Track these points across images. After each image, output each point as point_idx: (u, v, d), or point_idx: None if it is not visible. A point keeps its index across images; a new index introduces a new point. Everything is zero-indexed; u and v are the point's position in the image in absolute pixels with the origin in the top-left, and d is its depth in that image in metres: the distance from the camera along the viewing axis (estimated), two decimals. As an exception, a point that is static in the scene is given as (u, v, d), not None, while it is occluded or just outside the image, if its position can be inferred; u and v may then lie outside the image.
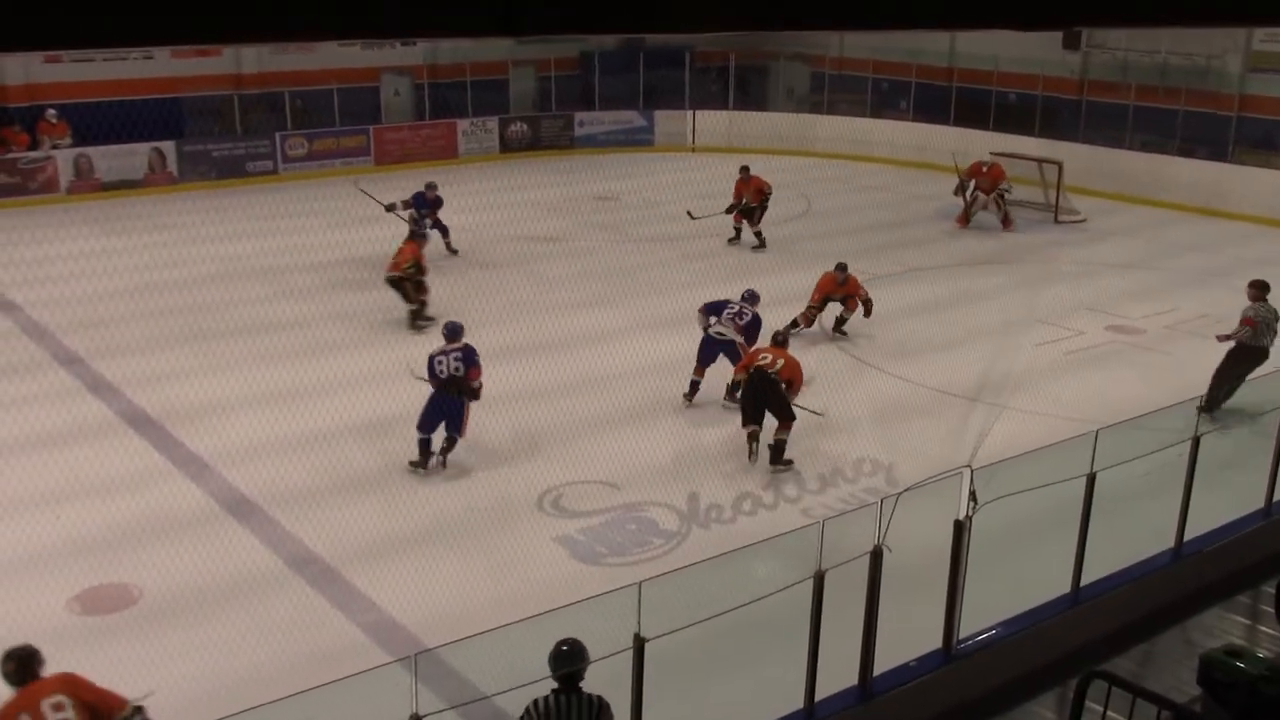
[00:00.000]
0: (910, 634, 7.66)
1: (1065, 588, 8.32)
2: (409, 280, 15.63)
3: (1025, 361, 14.37)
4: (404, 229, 17.73)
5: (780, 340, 12.28)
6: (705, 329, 13.25)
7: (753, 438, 11.52)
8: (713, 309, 13.37)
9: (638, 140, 28.97)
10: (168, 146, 23.98)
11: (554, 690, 5.96)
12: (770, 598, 6.66)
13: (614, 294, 16.92)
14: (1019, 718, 7.50)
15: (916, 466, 10.36)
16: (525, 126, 28.25)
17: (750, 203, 20.20)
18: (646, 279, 17.81)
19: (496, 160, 27.30)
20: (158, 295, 16.39)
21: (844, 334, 15.54)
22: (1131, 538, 9.07)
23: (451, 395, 11.38)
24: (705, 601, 6.60)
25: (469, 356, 11.55)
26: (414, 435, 11.35)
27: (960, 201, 22.07)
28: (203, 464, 11.33)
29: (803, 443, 11.90)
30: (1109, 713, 5.68)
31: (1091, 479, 8.11)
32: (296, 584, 9.33)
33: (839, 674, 7.19)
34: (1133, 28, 21.03)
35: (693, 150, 28.56)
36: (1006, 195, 21.78)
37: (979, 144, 24.42)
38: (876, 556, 7.03)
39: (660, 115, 29.27)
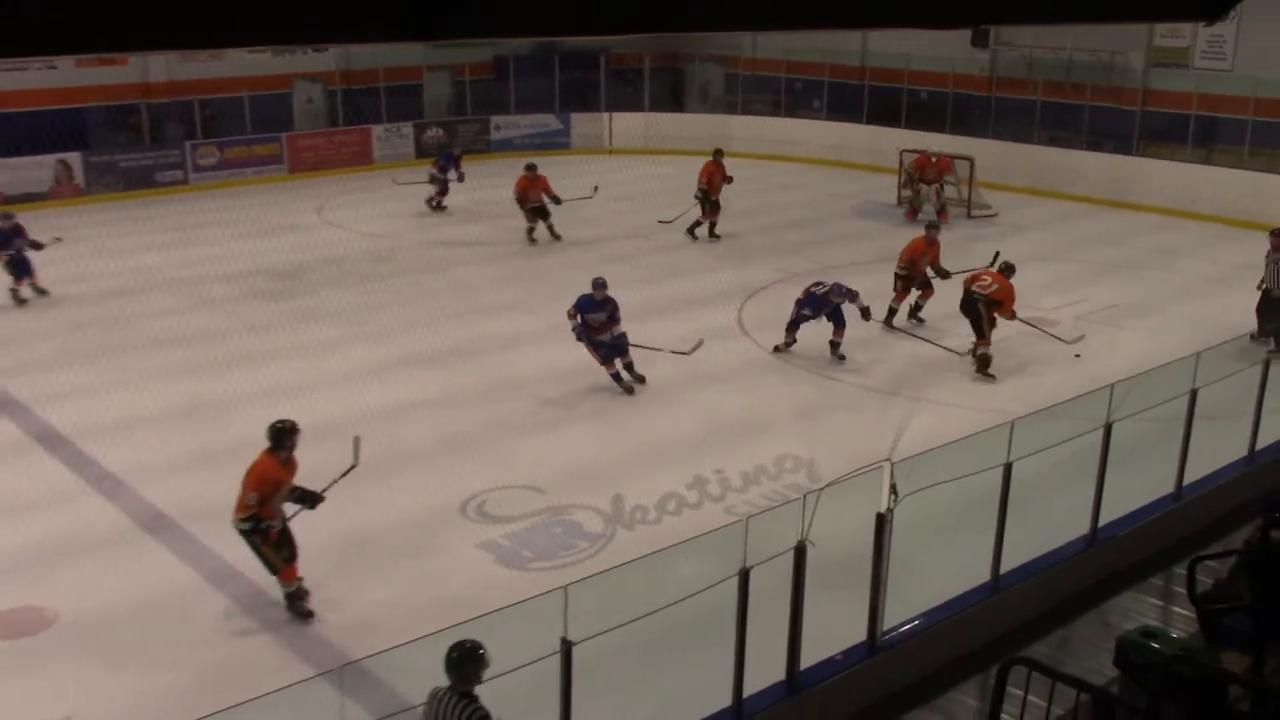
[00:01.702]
0: (836, 627, 7.74)
1: (985, 576, 8.45)
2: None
3: (942, 354, 14.58)
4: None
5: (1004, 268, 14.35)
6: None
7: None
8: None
9: (554, 144, 28.92)
10: (73, 158, 23.45)
11: (448, 687, 5.87)
12: (696, 596, 6.68)
13: (534, 298, 16.87)
14: (943, 706, 7.60)
15: (838, 462, 10.46)
16: (441, 131, 28.07)
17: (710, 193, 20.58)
18: (566, 282, 17.74)
19: (412, 166, 27.06)
20: (66, 309, 16.04)
21: (921, 320, 16.00)
22: (1048, 525, 9.24)
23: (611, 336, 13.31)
24: (632, 603, 6.60)
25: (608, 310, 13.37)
26: (332, 444, 11.20)
27: (904, 197, 22.75)
28: (117, 481, 11.09)
29: (725, 441, 11.97)
30: (1029, 697, 5.78)
31: (1008, 469, 8.25)
32: (217, 600, 9.18)
33: (766, 669, 7.23)
34: (1038, 25, 21.46)
35: (610, 153, 28.59)
36: (947, 186, 22.42)
37: (892, 141, 24.77)
38: (800, 552, 7.08)
39: (576, 118, 29.26)
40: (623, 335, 13.34)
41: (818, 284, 14.54)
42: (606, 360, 13.32)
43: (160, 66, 25.05)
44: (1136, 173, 23.81)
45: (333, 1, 2.81)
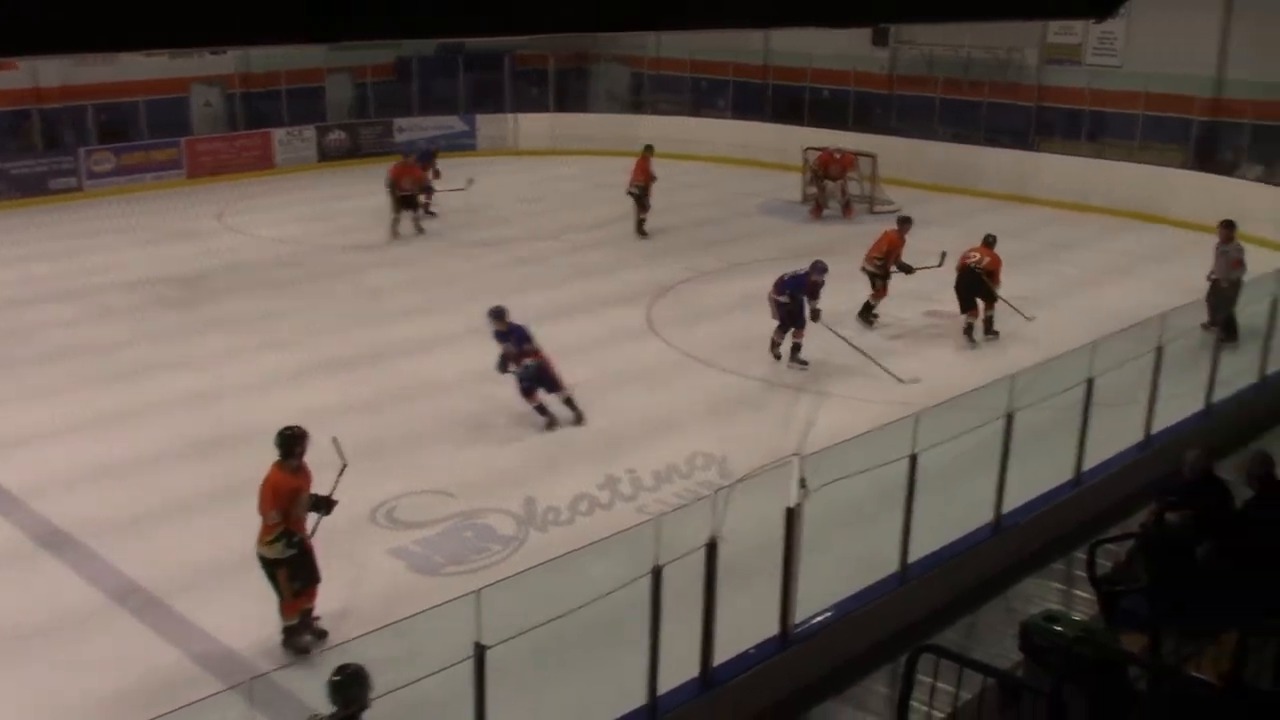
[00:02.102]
0: (748, 622, 7.80)
1: (894, 567, 8.58)
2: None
3: (848, 349, 14.76)
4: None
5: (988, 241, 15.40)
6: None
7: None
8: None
9: (460, 145, 28.73)
10: (-39, 166, 22.76)
11: (328, 716, 5.79)
12: (610, 596, 6.69)
13: (442, 301, 16.74)
14: (854, 696, 7.71)
15: (748, 458, 10.54)
16: (344, 134, 27.74)
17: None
18: (475, 284, 17.67)
19: (315, 169, 26.73)
20: (-43, 322, 15.55)
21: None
22: (954, 515, 9.41)
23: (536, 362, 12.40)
24: (545, 605, 6.59)
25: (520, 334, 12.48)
26: (239, 454, 11.03)
27: (809, 194, 23.04)
28: (12, 498, 10.77)
29: (636, 441, 11.99)
30: (938, 684, 5.88)
31: (913, 460, 8.38)
32: (120, 617, 8.96)
33: (680, 667, 7.26)
34: (935, 22, 21.83)
35: (516, 153, 28.49)
36: (851, 183, 22.82)
37: (796, 139, 25.03)
38: (712, 549, 7.13)
39: (482, 119, 29.11)
40: (536, 364, 12.41)
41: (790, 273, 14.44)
42: (527, 393, 12.49)
43: (53, 71, 24.37)
44: (1033, 168, 24.34)
45: (230, 4, 2.77)
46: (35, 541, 10.02)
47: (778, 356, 14.48)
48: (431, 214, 21.41)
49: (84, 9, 2.54)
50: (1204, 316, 13.70)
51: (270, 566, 8.34)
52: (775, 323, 14.45)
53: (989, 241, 15.65)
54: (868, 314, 15.96)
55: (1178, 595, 7.04)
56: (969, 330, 15.33)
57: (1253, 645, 6.14)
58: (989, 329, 15.49)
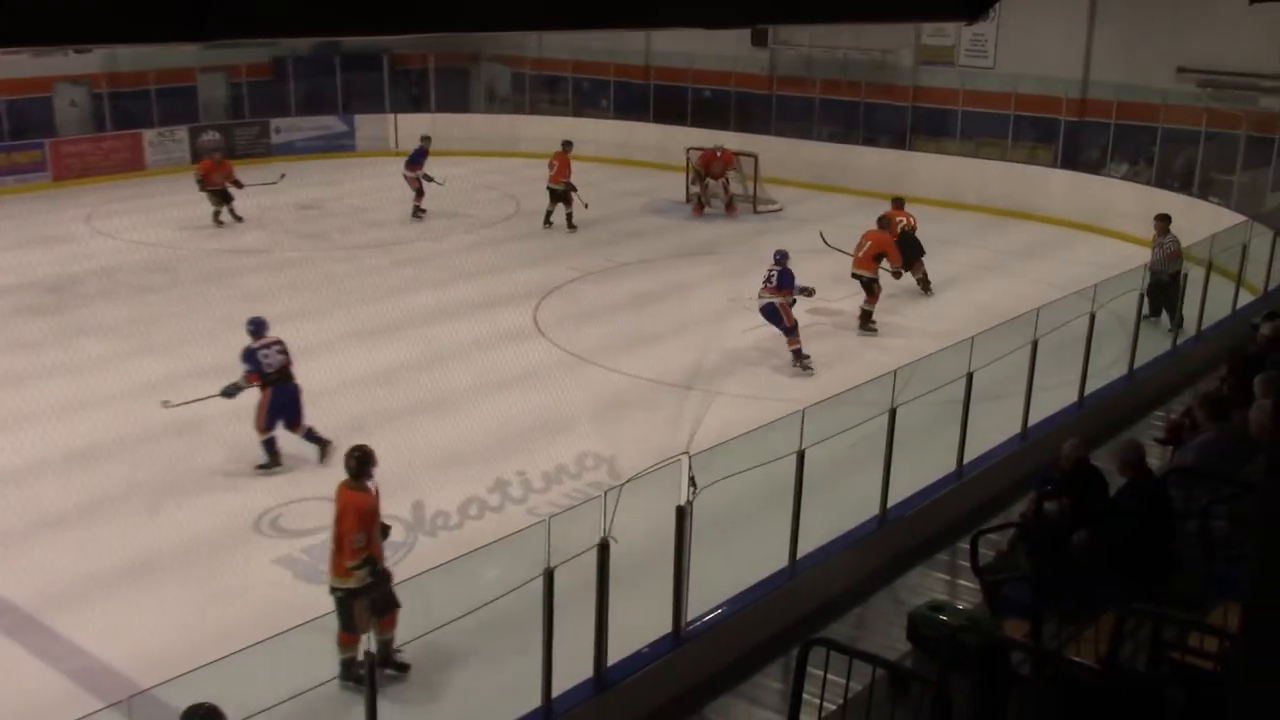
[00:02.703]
0: (641, 621, 7.80)
1: (783, 562, 8.67)
2: None
3: (734, 348, 14.90)
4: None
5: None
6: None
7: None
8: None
9: (339, 146, 28.30)
10: None
11: None
12: (502, 599, 6.64)
13: (323, 305, 16.43)
14: (747, 691, 7.76)
15: (637, 457, 10.54)
16: (218, 135, 27.06)
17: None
18: (357, 287, 17.41)
19: (188, 171, 25.96)
20: None
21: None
22: (841, 509, 9.54)
23: (289, 385, 11.38)
24: (436, 610, 6.52)
25: (284, 348, 11.58)
26: (112, 467, 10.70)
27: (692, 193, 23.34)
28: None
29: (525, 442, 11.93)
30: (829, 676, 5.94)
31: (801, 456, 8.48)
32: (-11, 636, 8.62)
33: (574, 668, 7.24)
34: (809, 24, 22.15)
35: (396, 154, 28.11)
36: (733, 181, 23.11)
37: (678, 139, 25.17)
38: (603, 549, 7.12)
39: (361, 119, 28.69)
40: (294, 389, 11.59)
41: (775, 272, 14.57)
42: (270, 427, 11.40)
43: (-95, 69, 23.38)
44: (909, 166, 24.84)
45: (97, 1, 2.67)
46: (-104, 561, 9.58)
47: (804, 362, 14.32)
48: (421, 212, 21.79)
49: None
50: (1086, 308, 14.11)
51: (348, 596, 7.76)
52: (781, 328, 14.43)
53: (900, 203, 18.03)
54: (868, 323, 15.88)
55: (1057, 582, 7.23)
56: (924, 282, 17.47)
57: (1128, 628, 6.33)
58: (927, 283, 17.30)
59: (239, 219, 21.39)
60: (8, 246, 18.45)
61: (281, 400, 11.42)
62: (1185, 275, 14.59)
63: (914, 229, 17.74)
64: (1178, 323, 14.27)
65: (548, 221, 21.40)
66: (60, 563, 9.49)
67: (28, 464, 11.12)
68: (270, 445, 11.41)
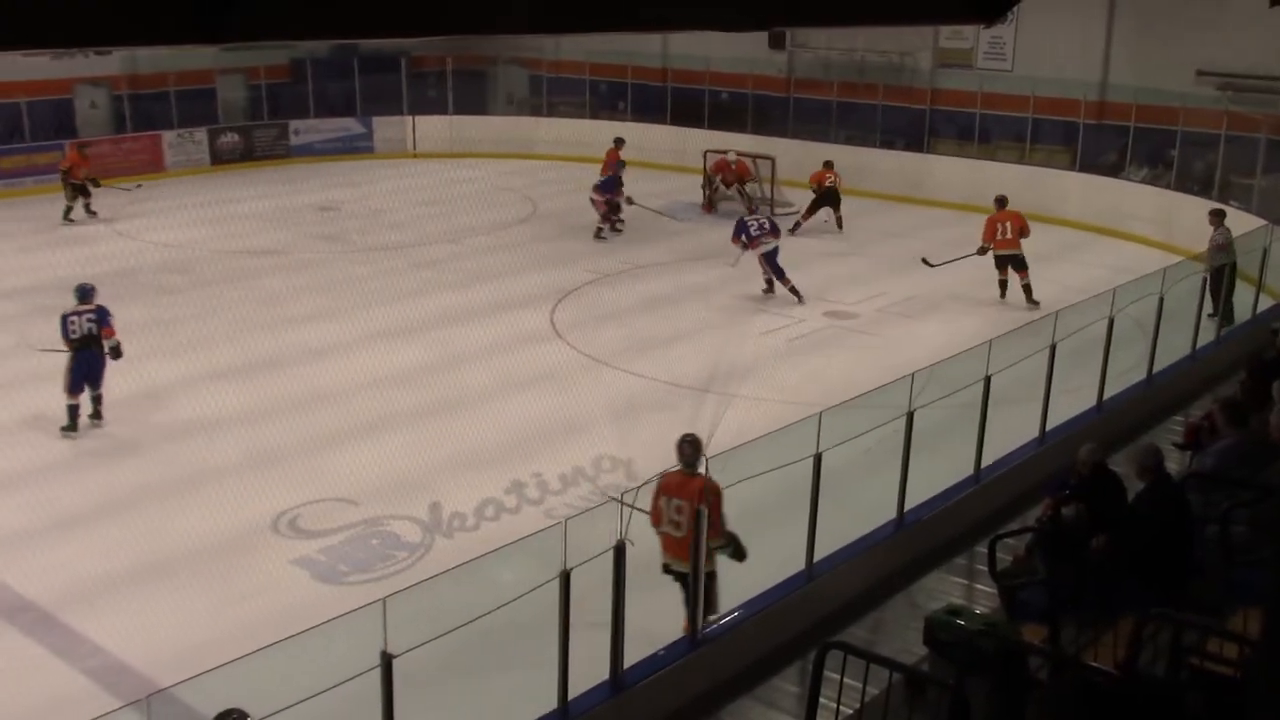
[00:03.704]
0: (657, 624, 7.81)
1: (800, 565, 8.65)
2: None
3: (751, 351, 14.89)
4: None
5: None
6: (751, 248, 17.03)
7: None
8: (742, 230, 17.12)
9: (357, 148, 28.38)
10: None
11: None
12: (519, 601, 6.64)
13: (340, 306, 16.49)
14: (764, 695, 7.76)
15: (654, 460, 10.52)
16: (237, 137, 27.19)
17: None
18: (374, 289, 17.46)
19: (208, 173, 26.16)
20: None
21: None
22: (858, 512, 9.53)
23: (91, 352, 12.09)
24: (453, 612, 6.52)
25: (102, 316, 12.29)
26: (131, 465, 10.76)
27: (706, 195, 23.71)
28: (-108, 515, 10.37)
29: (541, 444, 11.94)
30: (846, 680, 5.93)
31: (818, 459, 8.46)
32: (9, 634, 8.67)
33: (591, 670, 7.24)
34: (827, 27, 22.15)
35: (414, 156, 28.21)
36: (749, 187, 23.24)
37: (695, 142, 25.16)
38: (620, 551, 7.12)
39: (379, 121, 28.77)
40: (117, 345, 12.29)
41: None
42: (75, 391, 12.07)
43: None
44: (927, 169, 24.80)
45: (114, 3, 2.68)
46: (-83, 559, 9.65)
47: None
48: (616, 230, 21.55)
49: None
50: (1105, 311, 14.08)
51: (708, 580, 7.95)
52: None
53: (830, 165, 21.20)
54: (1031, 296, 17.09)
55: (1074, 587, 7.21)
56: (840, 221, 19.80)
57: (1147, 634, 6.32)
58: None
59: (93, 214, 21.75)
60: (28, 247, 18.57)
61: (83, 366, 12.11)
62: (1230, 268, 14.61)
63: (837, 186, 21.60)
64: (1224, 315, 14.26)
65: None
66: (80, 562, 9.53)
67: (48, 463, 11.20)
68: (73, 411, 12.03)
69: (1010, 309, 15.87)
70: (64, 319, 12.20)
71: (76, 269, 16.27)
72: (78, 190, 21.63)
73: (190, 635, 8.50)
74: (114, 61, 25.68)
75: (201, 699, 6.62)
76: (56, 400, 12.53)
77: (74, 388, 12.05)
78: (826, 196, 21.62)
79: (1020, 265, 17.27)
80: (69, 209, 21.55)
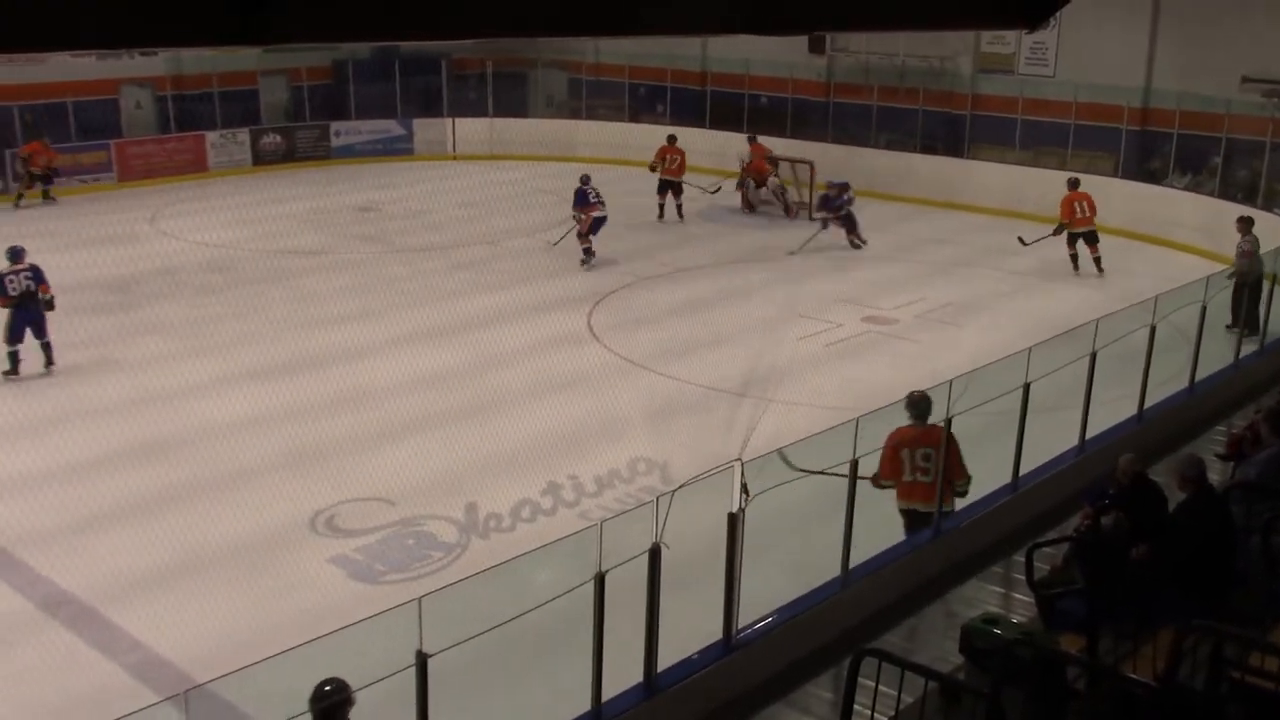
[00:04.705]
0: (691, 627, 7.79)
1: (835, 571, 8.61)
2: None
3: (788, 355, 14.84)
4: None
5: None
6: (589, 212, 19.19)
7: None
8: (581, 199, 19.28)
9: (397, 149, 28.54)
10: (-122, 166, 22.19)
11: None
12: (553, 603, 6.65)
13: (379, 306, 16.60)
14: (798, 700, 7.72)
15: (690, 463, 10.55)
16: (279, 138, 27.41)
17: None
18: (412, 289, 17.56)
19: (249, 173, 26.39)
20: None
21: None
22: (895, 518, 9.47)
23: (29, 307, 13.67)
24: (488, 612, 6.54)
25: (37, 274, 13.90)
26: (170, 462, 10.86)
27: (749, 200, 23.97)
28: (-62, 507, 10.52)
29: (577, 446, 11.96)
30: (881, 688, 5.91)
31: (854, 465, 8.42)
32: (50, 628, 8.77)
33: (624, 672, 7.24)
34: (867, 31, 22.08)
35: (454, 158, 28.33)
36: (772, 183, 23.57)
37: (734, 146, 25.14)
38: (655, 554, 7.11)
39: (419, 123, 28.91)
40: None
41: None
42: (13, 341, 13.71)
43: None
44: (967, 174, 24.65)
45: (158, 4, 2.71)
46: (-38, 552, 9.79)
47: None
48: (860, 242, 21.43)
49: (9, 8, 2.47)
50: (1147, 320, 13.95)
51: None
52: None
53: (753, 139, 23.18)
54: (1100, 265, 19.18)
55: (1113, 597, 7.14)
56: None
57: (1187, 645, 6.25)
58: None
59: (52, 200, 22.91)
60: (74, 245, 18.76)
61: (23, 319, 13.71)
62: (1259, 278, 14.41)
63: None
64: (1250, 328, 14.04)
65: (662, 215, 22.72)
66: (119, 557, 9.64)
67: (89, 459, 11.32)
68: (14, 357, 13.66)
69: (1049, 316, 15.70)
70: (3, 276, 13.67)
71: (119, 268, 16.52)
72: (35, 178, 22.84)
73: (228, 631, 8.58)
74: (159, 63, 25.98)
75: (239, 694, 6.68)
76: (94, 397, 12.71)
77: (13, 338, 13.65)
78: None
79: (1093, 239, 19.03)
80: (20, 196, 22.68)
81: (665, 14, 3.90)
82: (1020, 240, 19.33)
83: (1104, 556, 7.65)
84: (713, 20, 4.23)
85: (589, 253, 19.31)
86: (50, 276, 16.25)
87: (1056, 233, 19.20)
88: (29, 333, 13.78)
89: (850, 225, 20.25)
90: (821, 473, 8.68)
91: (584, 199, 19.39)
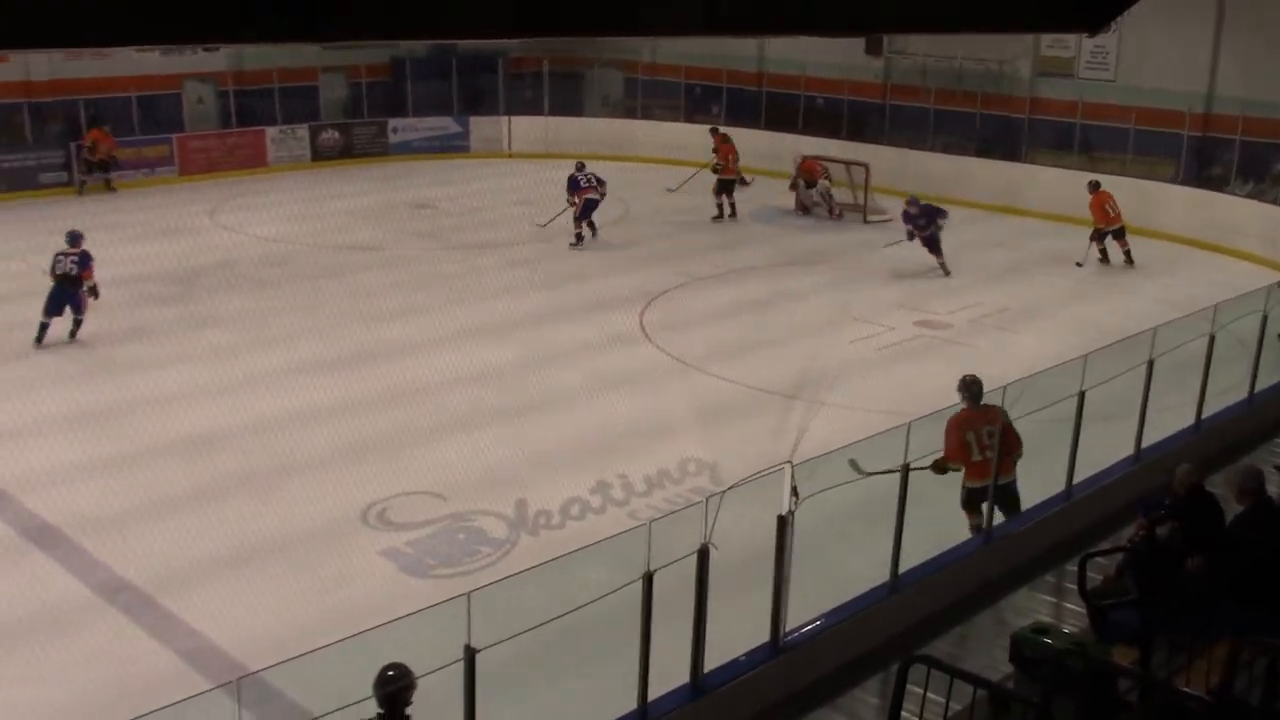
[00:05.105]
0: (739, 629, 7.79)
1: (885, 576, 8.57)
2: None
3: (841, 358, 14.79)
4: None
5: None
6: (580, 195, 20.30)
7: None
8: (572, 185, 20.25)
9: (453, 146, 28.72)
10: (-49, 158, 22.65)
11: (379, 715, 5.84)
12: (601, 601, 6.68)
13: (434, 302, 16.72)
14: (845, 705, 7.70)
15: (740, 464, 10.53)
16: (337, 134, 27.69)
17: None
18: (466, 286, 17.66)
19: (308, 169, 26.67)
20: (-54, 316, 15.45)
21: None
22: (946, 524, 9.42)
23: (65, 288, 14.63)
24: (536, 608, 6.58)
25: (83, 260, 14.76)
26: (228, 453, 11.00)
27: (802, 202, 23.91)
28: (1, 492, 10.73)
29: (628, 446, 11.99)
30: (929, 695, 5.88)
31: (906, 469, 8.38)
32: (108, 613, 8.93)
33: (671, 673, 7.25)
34: (926, 33, 21.90)
35: (509, 156, 28.48)
36: (822, 185, 23.51)
37: (789, 147, 25.07)
38: (703, 555, 7.12)
39: (475, 121, 29.08)
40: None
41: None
42: (47, 314, 14.63)
43: (43, 65, 24.25)
44: (1024, 179, 24.40)
45: (225, 1, 2.76)
46: (24, 536, 9.99)
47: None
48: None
49: (75, 4, 2.53)
50: (1206, 328, 13.74)
51: (1014, 485, 9.62)
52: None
53: (715, 131, 23.06)
54: (1131, 258, 19.84)
55: (1168, 608, 7.06)
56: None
57: (1243, 659, 6.16)
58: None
59: (113, 190, 23.53)
60: (136, 238, 19.08)
61: (60, 297, 14.64)
62: None
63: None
64: None
65: (721, 215, 22.85)
66: (176, 545, 9.78)
67: (148, 448, 11.51)
68: (43, 328, 14.61)
69: (1105, 323, 15.52)
70: (55, 255, 14.75)
71: (181, 260, 16.77)
72: (93, 166, 23.50)
73: (280, 621, 8.69)
74: (221, 58, 26.33)
75: (289, 683, 6.78)
76: (155, 387, 12.91)
77: (47, 311, 14.57)
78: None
79: (1120, 235, 19.78)
80: (84, 181, 23.37)
81: (741, 11, 3.89)
82: (1078, 265, 19.84)
83: (1159, 568, 7.56)
84: (777, 20, 4.22)
85: (579, 237, 20.49)
86: (115, 269, 16.60)
87: (1098, 236, 19.89)
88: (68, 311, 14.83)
89: (935, 248, 19.24)
90: (883, 472, 8.68)
91: (574, 185, 20.50)
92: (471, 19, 3.23)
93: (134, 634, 8.70)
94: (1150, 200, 22.51)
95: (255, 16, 2.79)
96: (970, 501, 9.59)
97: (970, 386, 9.78)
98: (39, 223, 20.43)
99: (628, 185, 25.11)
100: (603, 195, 20.69)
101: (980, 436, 9.49)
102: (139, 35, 2.73)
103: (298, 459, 11.42)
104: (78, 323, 14.85)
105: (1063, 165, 24.35)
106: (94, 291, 14.81)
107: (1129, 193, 22.75)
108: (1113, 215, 19.69)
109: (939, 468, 9.25)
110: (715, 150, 23.33)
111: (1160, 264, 20.22)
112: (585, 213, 20.60)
